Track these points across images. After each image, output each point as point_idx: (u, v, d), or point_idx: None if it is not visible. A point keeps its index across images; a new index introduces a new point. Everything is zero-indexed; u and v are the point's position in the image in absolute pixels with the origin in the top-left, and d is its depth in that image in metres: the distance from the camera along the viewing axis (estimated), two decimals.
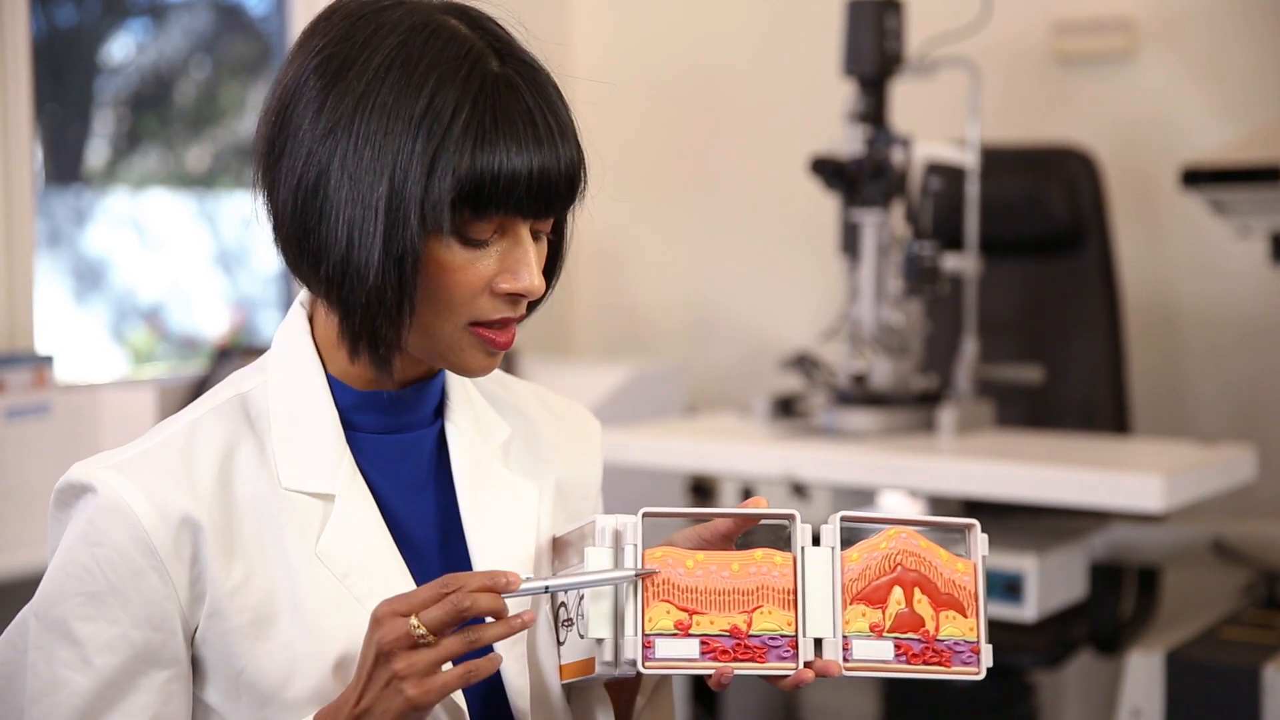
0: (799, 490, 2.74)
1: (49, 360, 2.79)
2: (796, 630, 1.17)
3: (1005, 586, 2.58)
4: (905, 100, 3.19)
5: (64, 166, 3.50)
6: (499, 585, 1.12)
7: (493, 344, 1.22)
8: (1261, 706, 2.50)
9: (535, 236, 1.23)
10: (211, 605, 1.19)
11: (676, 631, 1.15)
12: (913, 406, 2.85)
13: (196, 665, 1.21)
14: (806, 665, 1.17)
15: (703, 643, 1.15)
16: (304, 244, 1.20)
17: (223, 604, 1.18)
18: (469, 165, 1.16)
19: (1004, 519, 2.87)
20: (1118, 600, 2.91)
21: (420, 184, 1.16)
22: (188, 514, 1.18)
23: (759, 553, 1.18)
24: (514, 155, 1.17)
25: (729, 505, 2.99)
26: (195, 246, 3.76)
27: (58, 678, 1.18)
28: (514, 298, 1.21)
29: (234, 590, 1.19)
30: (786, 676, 1.17)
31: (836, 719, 3.52)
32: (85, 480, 1.19)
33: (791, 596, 1.17)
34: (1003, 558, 2.60)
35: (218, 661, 1.20)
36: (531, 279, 1.20)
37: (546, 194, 1.19)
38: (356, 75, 1.18)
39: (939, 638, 1.19)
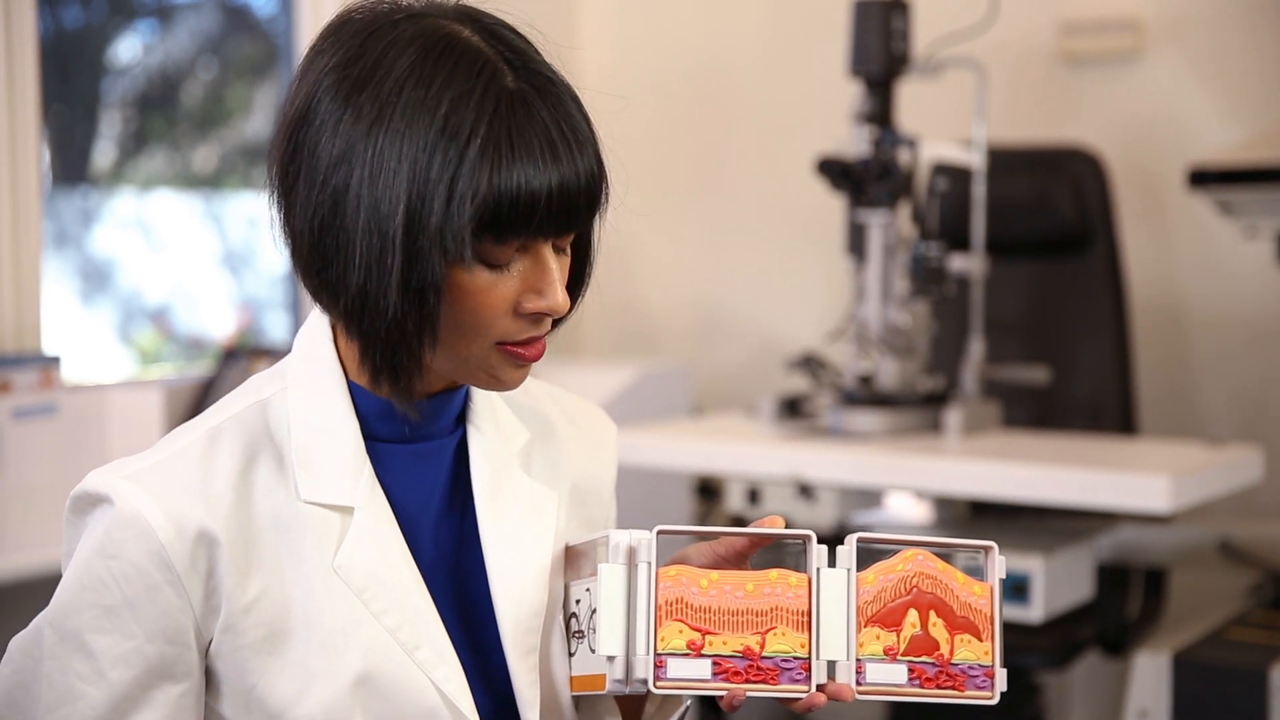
0: (805, 491, 2.73)
1: (56, 361, 2.78)
2: (810, 653, 1.16)
3: (1012, 587, 2.58)
4: (912, 100, 3.19)
5: (71, 167, 3.50)
6: None
7: (521, 358, 1.22)
8: (1268, 707, 2.50)
9: (558, 252, 1.22)
10: (226, 620, 1.18)
11: (689, 651, 1.14)
12: (919, 407, 2.85)
13: (210, 678, 1.20)
14: (819, 688, 1.16)
15: (715, 663, 1.14)
16: (323, 275, 1.18)
17: (237, 619, 1.18)
18: (488, 190, 1.13)
19: (1010, 520, 2.88)
20: (1124, 601, 2.91)
21: (440, 213, 1.13)
22: (204, 528, 1.17)
23: (774, 573, 1.17)
24: (532, 177, 1.14)
25: (735, 505, 2.99)
26: (202, 247, 3.75)
27: (72, 689, 1.17)
28: (538, 316, 1.20)
29: (249, 606, 1.18)
30: (799, 699, 1.16)
31: (843, 719, 3.52)
32: (102, 490, 1.17)
33: (805, 618, 1.16)
34: (1009, 559, 2.58)
35: (230, 676, 1.19)
36: (555, 297, 1.19)
37: (566, 212, 1.17)
38: (370, 98, 1.15)
39: (953, 661, 1.18)
